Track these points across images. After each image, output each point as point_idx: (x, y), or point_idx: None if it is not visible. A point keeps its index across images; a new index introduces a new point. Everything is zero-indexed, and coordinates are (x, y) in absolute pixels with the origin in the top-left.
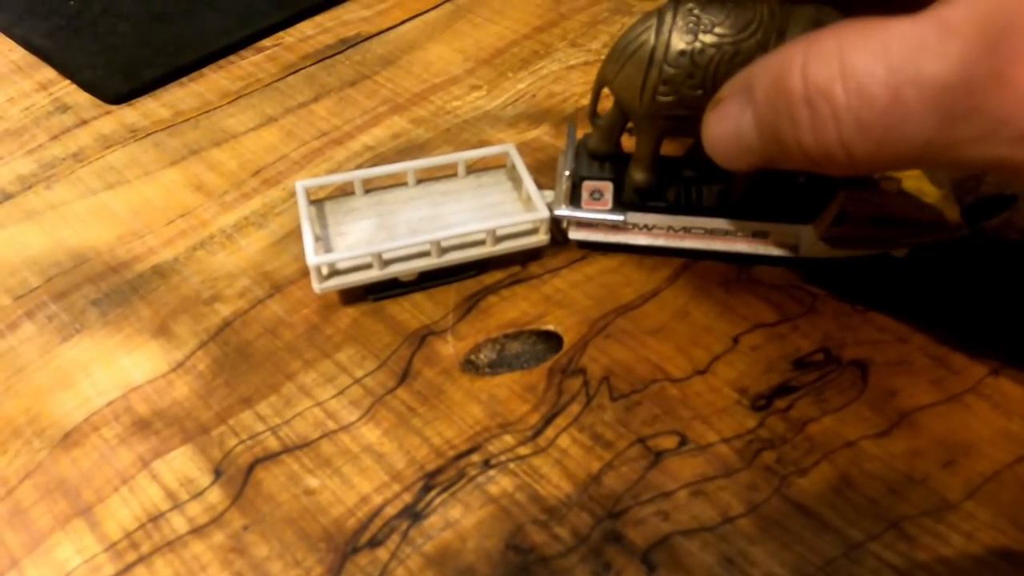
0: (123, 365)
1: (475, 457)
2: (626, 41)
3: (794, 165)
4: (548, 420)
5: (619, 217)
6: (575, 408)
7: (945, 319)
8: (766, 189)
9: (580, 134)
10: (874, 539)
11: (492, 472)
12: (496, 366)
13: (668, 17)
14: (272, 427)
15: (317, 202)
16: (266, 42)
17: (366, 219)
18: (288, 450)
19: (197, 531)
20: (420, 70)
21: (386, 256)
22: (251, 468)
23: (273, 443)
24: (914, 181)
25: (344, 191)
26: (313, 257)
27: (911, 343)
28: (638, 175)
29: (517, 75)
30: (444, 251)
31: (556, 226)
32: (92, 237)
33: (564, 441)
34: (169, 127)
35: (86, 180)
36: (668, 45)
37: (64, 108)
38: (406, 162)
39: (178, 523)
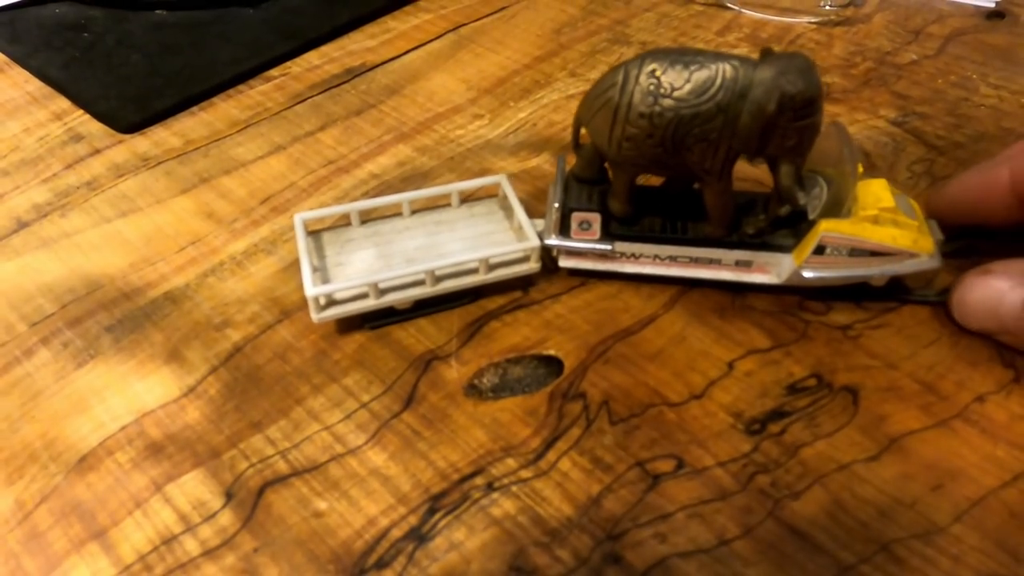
0: (136, 390)
1: (479, 480)
2: (595, 93)
3: None
4: (549, 444)
5: (607, 247)
6: (576, 432)
7: (932, 346)
8: (746, 219)
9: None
10: (865, 561)
11: (495, 495)
12: (499, 390)
13: (632, 77)
14: (282, 451)
15: (315, 233)
16: (274, 72)
17: (363, 249)
18: (297, 473)
19: (209, 553)
20: (424, 99)
21: (382, 286)
22: (261, 491)
23: (283, 466)
24: (889, 214)
25: (342, 222)
26: (311, 288)
27: (900, 369)
28: (615, 206)
29: (518, 104)
30: (438, 280)
31: (547, 254)
32: (105, 264)
33: (565, 464)
34: (180, 156)
35: (100, 208)
36: (630, 106)
37: (78, 138)
38: (401, 193)
39: (190, 546)
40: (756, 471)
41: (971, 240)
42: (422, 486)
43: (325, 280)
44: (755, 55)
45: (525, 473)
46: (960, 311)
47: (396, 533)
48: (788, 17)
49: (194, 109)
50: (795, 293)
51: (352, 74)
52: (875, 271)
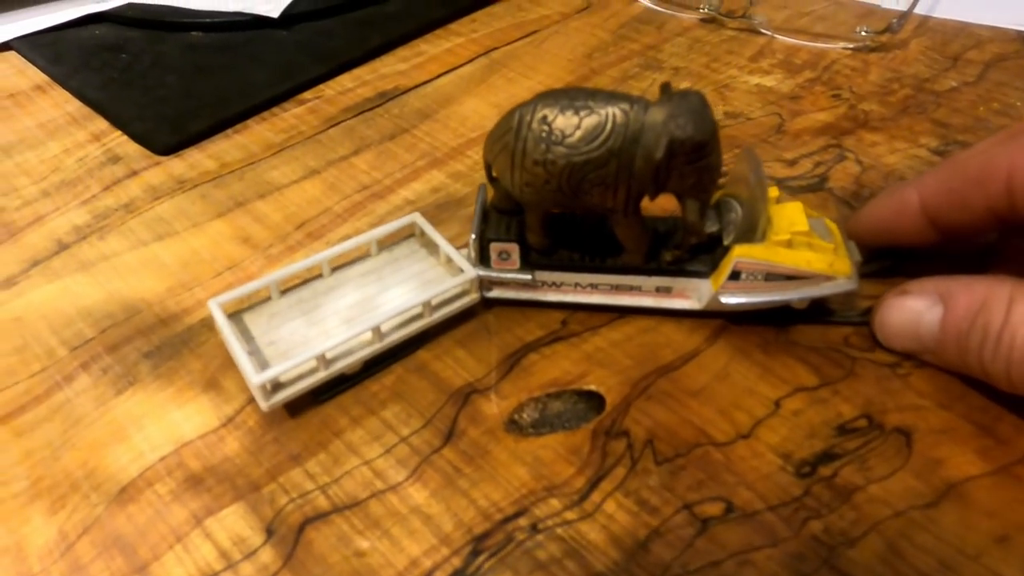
0: (174, 419)
1: (522, 521)
2: (494, 137)
3: (962, 368)
4: (594, 484)
5: (526, 276)
6: (620, 472)
7: (985, 385)
8: (663, 248)
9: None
10: None
11: (540, 537)
12: (539, 426)
13: (525, 123)
14: (321, 486)
15: (235, 315)
16: (307, 95)
17: (292, 320)
18: (338, 510)
19: None
20: (457, 124)
21: (329, 355)
22: (302, 528)
23: (323, 502)
24: (804, 237)
25: (260, 297)
26: (255, 376)
27: (953, 410)
28: (532, 239)
29: None
30: (384, 335)
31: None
32: (143, 288)
33: (610, 506)
34: (215, 179)
35: (137, 231)
36: (524, 152)
37: (116, 159)
38: (317, 255)
39: None
40: (808, 516)
41: (891, 260)
42: (464, 526)
43: (262, 363)
44: (788, 82)
45: (570, 515)
46: (882, 333)
47: (440, 575)
48: (822, 43)
49: (229, 131)
50: (740, 320)
51: (385, 98)
52: (793, 295)
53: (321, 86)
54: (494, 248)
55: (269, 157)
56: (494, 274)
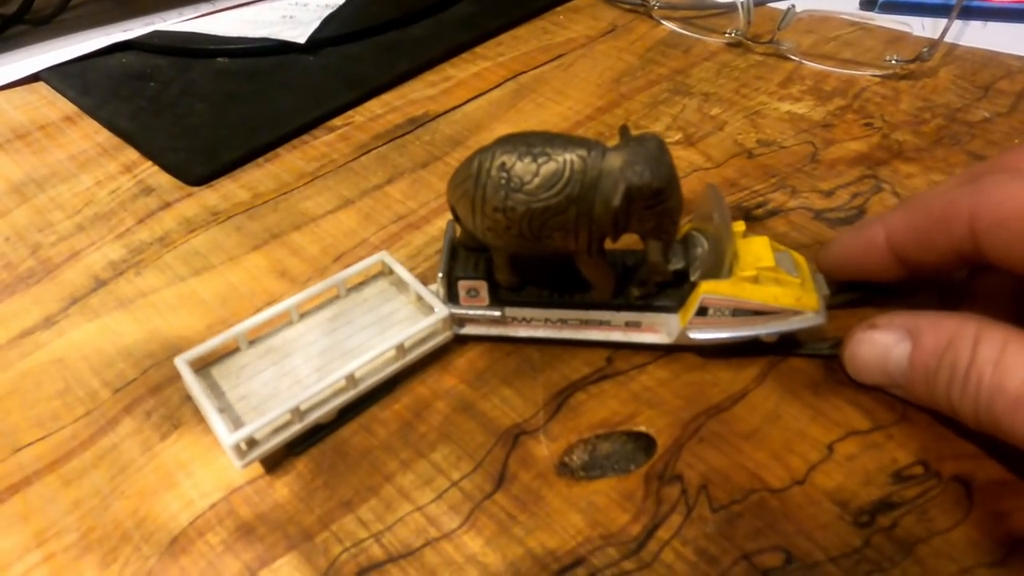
0: (222, 464)
1: (580, 571)
2: (455, 182)
3: (931, 404)
4: (650, 532)
5: (495, 313)
6: (676, 519)
7: None
8: (630, 284)
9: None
10: None
11: None
12: (590, 468)
13: (484, 170)
14: (375, 533)
15: (202, 370)
16: (336, 121)
17: (262, 372)
18: (393, 559)
19: None
20: None
21: (303, 407)
22: None
23: (377, 551)
24: (770, 272)
25: (227, 349)
26: (228, 437)
27: (1012, 457)
28: (500, 277)
29: None
30: (358, 381)
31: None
32: (182, 326)
33: (668, 556)
34: (249, 209)
35: (173, 266)
36: (484, 199)
37: (148, 191)
38: (283, 302)
39: None
40: (871, 569)
41: (859, 292)
42: None
43: (235, 420)
44: (820, 109)
45: (628, 565)
46: (851, 367)
47: None
48: (851, 69)
49: (260, 160)
50: (701, 353)
51: (415, 124)
52: (761, 330)
53: (350, 112)
54: (462, 286)
55: (302, 187)
56: (463, 311)
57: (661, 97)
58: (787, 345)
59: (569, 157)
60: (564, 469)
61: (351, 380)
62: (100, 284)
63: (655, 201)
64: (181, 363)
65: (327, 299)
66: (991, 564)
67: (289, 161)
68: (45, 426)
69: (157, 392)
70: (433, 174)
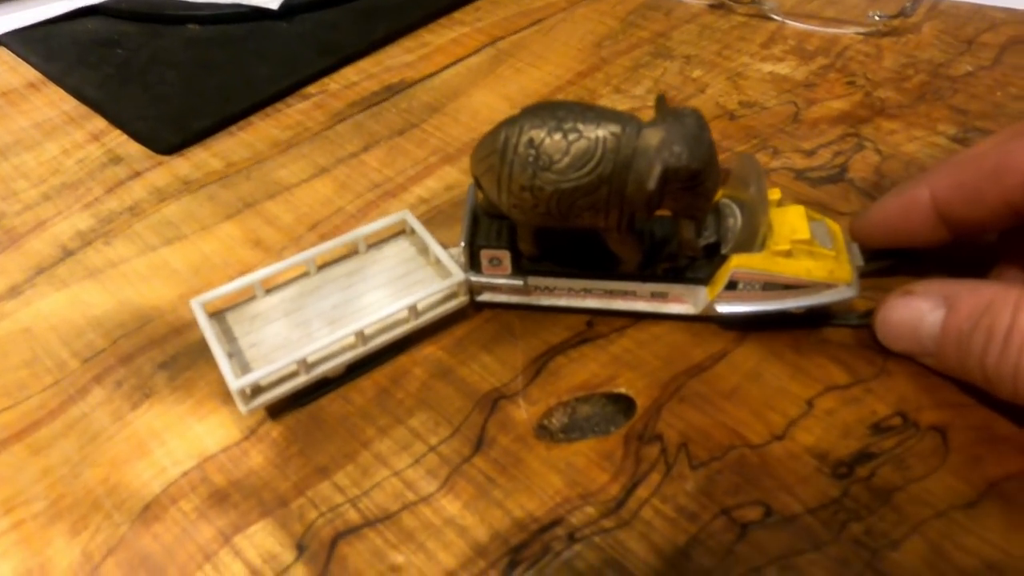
0: (196, 433)
1: (559, 531)
2: (479, 156)
3: (962, 373)
4: (629, 491)
5: (518, 282)
6: (655, 477)
7: None
8: (659, 256)
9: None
10: None
11: (577, 547)
12: (569, 431)
13: (511, 146)
14: (351, 498)
15: (217, 314)
16: (311, 89)
17: (275, 321)
18: (369, 523)
19: None
20: (467, 118)
21: (311, 359)
22: (334, 542)
23: (354, 516)
24: (804, 245)
25: (243, 296)
26: (235, 381)
27: (989, 405)
28: (523, 247)
29: None
30: (368, 338)
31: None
32: (154, 296)
33: (648, 513)
34: (222, 178)
35: (144, 236)
36: (511, 177)
37: (117, 160)
38: (302, 253)
39: None
40: (848, 518)
41: (890, 260)
42: (500, 537)
43: (243, 365)
44: (802, 69)
45: (607, 523)
46: (882, 332)
47: None
48: (834, 28)
49: (233, 129)
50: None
51: (391, 91)
52: (790, 304)
53: (325, 80)
54: (485, 254)
55: (276, 155)
56: (484, 279)
57: (642, 60)
58: (815, 316)
59: (602, 134)
60: (543, 432)
61: (361, 337)
62: (68, 254)
63: (692, 183)
64: (196, 305)
65: (346, 254)
66: (965, 506)
67: (263, 130)
68: (12, 395)
69: (128, 362)
70: (410, 141)
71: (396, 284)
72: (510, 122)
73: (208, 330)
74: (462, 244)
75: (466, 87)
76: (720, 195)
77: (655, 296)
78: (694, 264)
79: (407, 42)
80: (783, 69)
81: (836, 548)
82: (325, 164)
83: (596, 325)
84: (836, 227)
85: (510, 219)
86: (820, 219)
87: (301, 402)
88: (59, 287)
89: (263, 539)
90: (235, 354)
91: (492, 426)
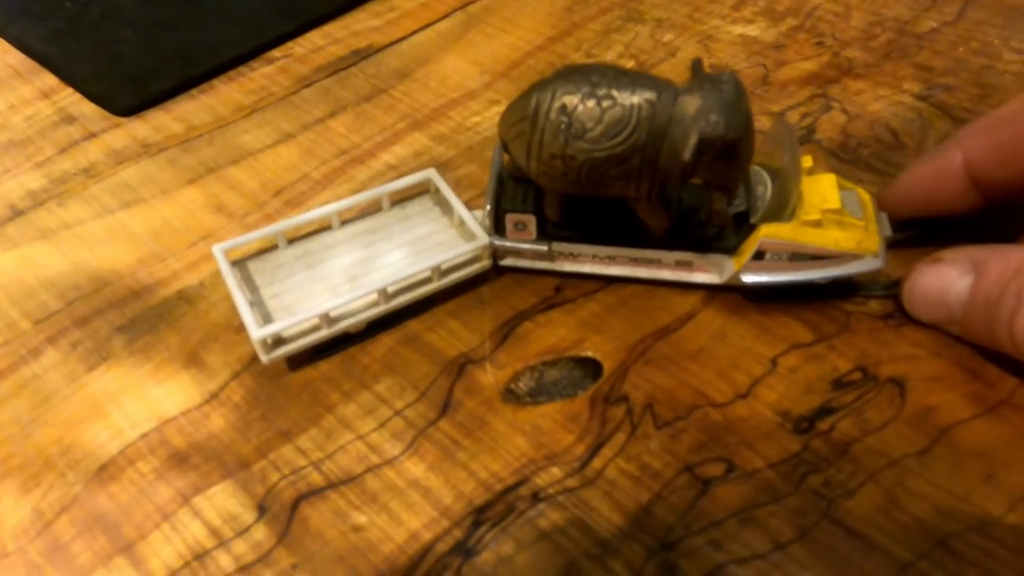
0: (155, 396)
1: (523, 490)
2: (509, 120)
3: (990, 340)
4: (594, 451)
5: (542, 247)
6: (620, 437)
7: None
8: (688, 225)
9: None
10: (923, 558)
11: (542, 506)
12: (536, 394)
13: (542, 112)
14: (314, 461)
15: (239, 263)
16: (276, 53)
17: (297, 273)
18: (332, 485)
19: (245, 570)
20: (437, 84)
21: (333, 313)
22: (296, 504)
23: (316, 478)
24: (834, 215)
25: (266, 246)
26: (257, 330)
27: (945, 356)
28: (549, 213)
29: None
30: (391, 296)
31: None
32: (112, 259)
33: (612, 472)
34: (183, 142)
35: (100, 198)
36: (541, 144)
37: (70, 119)
38: (326, 206)
39: (224, 561)
40: (807, 471)
41: (918, 229)
42: (465, 498)
43: (264, 315)
44: (772, 31)
45: (571, 482)
46: (910, 302)
47: (441, 548)
48: None
49: (194, 92)
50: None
51: (359, 56)
52: (816, 274)
53: (290, 44)
54: (510, 219)
55: (240, 120)
56: (509, 244)
57: (614, 25)
58: (841, 286)
59: (636, 101)
60: (510, 395)
61: (384, 295)
62: (17, 213)
63: (728, 153)
64: (218, 251)
65: (370, 210)
66: (918, 454)
67: (225, 94)
68: None
69: (84, 324)
70: (378, 107)
71: (418, 244)
72: (542, 86)
73: (230, 277)
74: (487, 207)
75: (436, 52)
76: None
77: (680, 265)
78: (722, 233)
79: (375, 6)
80: (753, 31)
81: (795, 500)
82: (290, 130)
83: (564, 290)
84: (867, 196)
85: (537, 184)
86: (851, 188)
87: (321, 355)
88: (8, 247)
89: (223, 500)
90: (256, 303)
91: (459, 390)
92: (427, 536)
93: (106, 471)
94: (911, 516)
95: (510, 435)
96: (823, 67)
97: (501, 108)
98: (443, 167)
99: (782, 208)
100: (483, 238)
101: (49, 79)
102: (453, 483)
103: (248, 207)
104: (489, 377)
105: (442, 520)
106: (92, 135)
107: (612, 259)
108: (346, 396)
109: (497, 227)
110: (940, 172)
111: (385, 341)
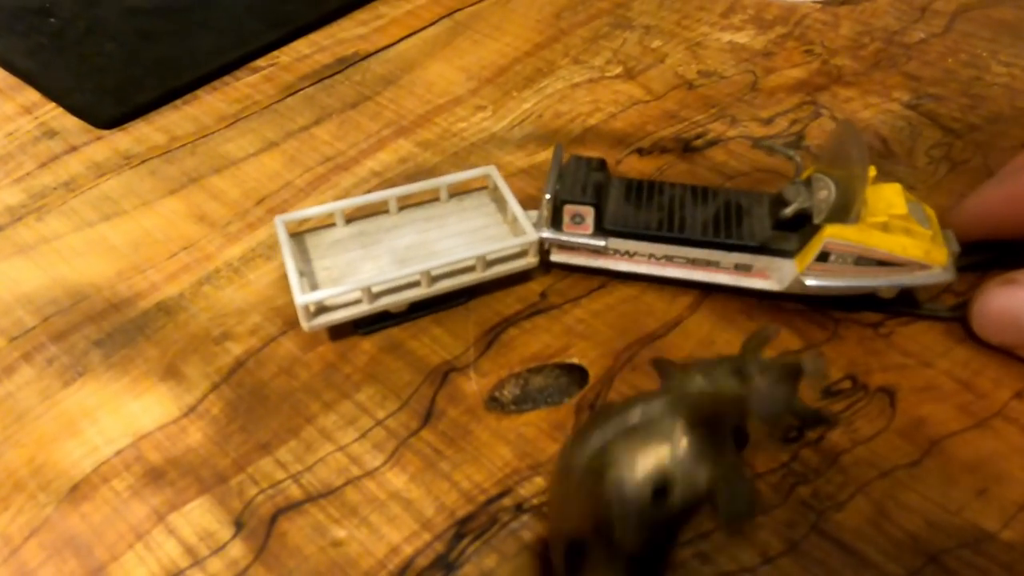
0: (131, 410)
1: (507, 501)
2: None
3: None
4: None
5: (600, 243)
6: None
7: (967, 341)
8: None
9: (567, 155)
10: (915, 574)
11: (525, 517)
12: (521, 402)
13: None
14: (293, 474)
15: (297, 235)
16: (261, 62)
17: (350, 251)
18: (312, 499)
19: None
20: (422, 90)
21: (376, 289)
22: (274, 519)
23: (295, 491)
24: (901, 221)
25: (325, 222)
26: (300, 296)
27: (936, 367)
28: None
29: (522, 94)
30: (434, 280)
31: (540, 247)
32: (90, 273)
33: None
34: (165, 153)
35: (80, 211)
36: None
37: (51, 133)
38: (387, 190)
39: None
40: (796, 482)
41: (990, 254)
42: (447, 510)
43: (313, 285)
44: (761, 38)
45: None
46: (980, 323)
47: (422, 562)
48: None
49: (177, 103)
50: (799, 301)
51: (345, 64)
52: (882, 282)
53: (275, 53)
54: (568, 211)
55: (223, 129)
56: (564, 237)
57: (602, 31)
58: (904, 303)
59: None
60: (494, 404)
61: (427, 278)
62: None
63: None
64: (279, 221)
65: (428, 199)
66: (908, 466)
67: (209, 103)
68: None
69: (61, 339)
70: (363, 115)
71: (471, 236)
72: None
73: (285, 246)
74: (546, 197)
75: (422, 59)
76: (812, 170)
77: (739, 268)
78: (782, 235)
79: (361, 14)
80: (742, 38)
81: (784, 512)
82: (274, 138)
83: (549, 296)
84: (931, 211)
85: (597, 177)
86: (916, 200)
87: (364, 331)
88: None
89: (199, 516)
90: (307, 274)
91: (441, 399)
92: (408, 550)
93: (79, 491)
94: (902, 530)
95: (494, 444)
96: (812, 75)
97: (487, 114)
98: (429, 173)
99: (847, 209)
100: (531, 234)
101: (32, 95)
102: (435, 494)
103: (230, 216)
104: (473, 385)
105: (423, 533)
106: (73, 148)
107: (669, 259)
108: (326, 406)
109: (554, 219)
110: (1012, 197)
111: (367, 349)
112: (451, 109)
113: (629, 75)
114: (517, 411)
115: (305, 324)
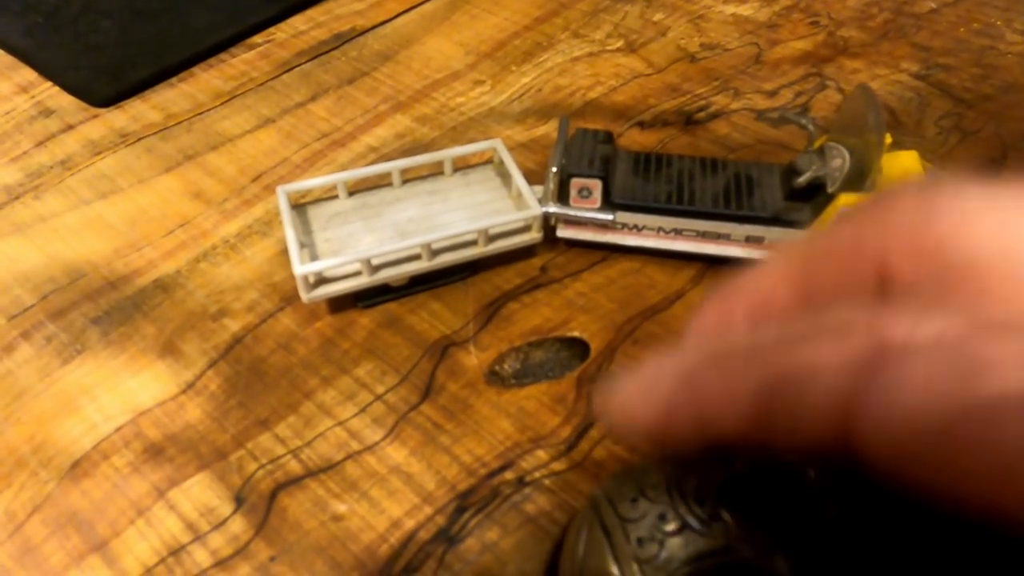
0: (130, 387)
1: (508, 475)
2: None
3: None
4: (581, 433)
5: (608, 216)
6: None
7: None
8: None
9: (572, 129)
10: None
11: (527, 490)
12: (521, 376)
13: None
14: (293, 450)
15: (299, 207)
16: (257, 39)
17: (352, 223)
18: (312, 474)
19: (221, 564)
20: (420, 65)
21: (376, 262)
22: (274, 494)
23: (295, 467)
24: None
25: (328, 194)
26: (299, 266)
27: None
28: None
29: (521, 68)
30: (435, 253)
31: (546, 223)
32: (87, 250)
33: (600, 454)
34: (161, 131)
35: (77, 189)
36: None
37: (48, 112)
38: (391, 162)
39: (200, 556)
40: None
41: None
42: (448, 483)
43: (313, 257)
44: (765, 10)
45: (557, 465)
46: (622, 420)
47: (423, 535)
48: None
49: (173, 80)
50: None
51: (341, 40)
52: None
53: (271, 29)
54: (575, 184)
55: (219, 106)
56: (571, 212)
57: (602, 4)
58: None
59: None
60: (494, 378)
61: (428, 251)
62: None
63: None
64: (281, 192)
65: (432, 172)
66: None
67: (205, 81)
68: None
69: (59, 317)
70: (360, 90)
71: (475, 210)
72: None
73: (287, 217)
74: (551, 170)
75: (419, 34)
76: (824, 139)
77: (750, 241)
78: (795, 206)
79: None
80: (746, 11)
81: None
82: (270, 114)
83: (550, 270)
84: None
85: (607, 148)
86: (932, 167)
87: (364, 304)
88: None
89: (200, 492)
90: (308, 245)
91: (441, 373)
92: (409, 524)
93: (79, 467)
94: None
95: (494, 418)
96: (818, 46)
97: (486, 88)
98: (425, 148)
99: (862, 177)
100: (535, 208)
101: (28, 74)
102: (436, 468)
103: (226, 193)
104: (473, 359)
105: (424, 507)
106: (69, 127)
107: (679, 233)
108: (325, 382)
109: (560, 193)
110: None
111: (366, 324)
112: (449, 84)
113: (630, 48)
114: (518, 385)
115: (304, 295)
